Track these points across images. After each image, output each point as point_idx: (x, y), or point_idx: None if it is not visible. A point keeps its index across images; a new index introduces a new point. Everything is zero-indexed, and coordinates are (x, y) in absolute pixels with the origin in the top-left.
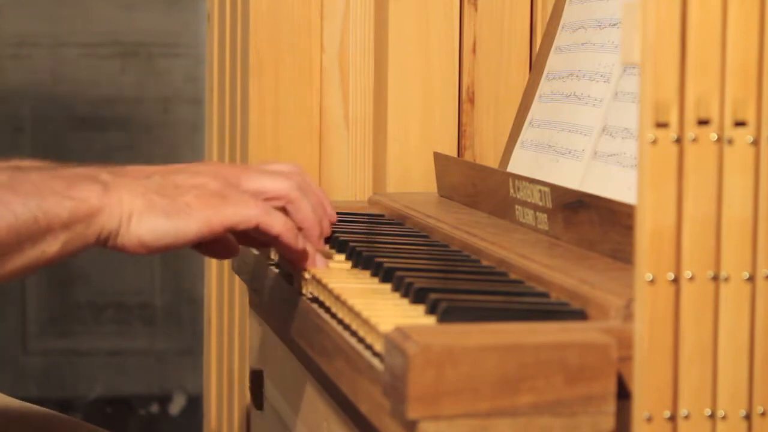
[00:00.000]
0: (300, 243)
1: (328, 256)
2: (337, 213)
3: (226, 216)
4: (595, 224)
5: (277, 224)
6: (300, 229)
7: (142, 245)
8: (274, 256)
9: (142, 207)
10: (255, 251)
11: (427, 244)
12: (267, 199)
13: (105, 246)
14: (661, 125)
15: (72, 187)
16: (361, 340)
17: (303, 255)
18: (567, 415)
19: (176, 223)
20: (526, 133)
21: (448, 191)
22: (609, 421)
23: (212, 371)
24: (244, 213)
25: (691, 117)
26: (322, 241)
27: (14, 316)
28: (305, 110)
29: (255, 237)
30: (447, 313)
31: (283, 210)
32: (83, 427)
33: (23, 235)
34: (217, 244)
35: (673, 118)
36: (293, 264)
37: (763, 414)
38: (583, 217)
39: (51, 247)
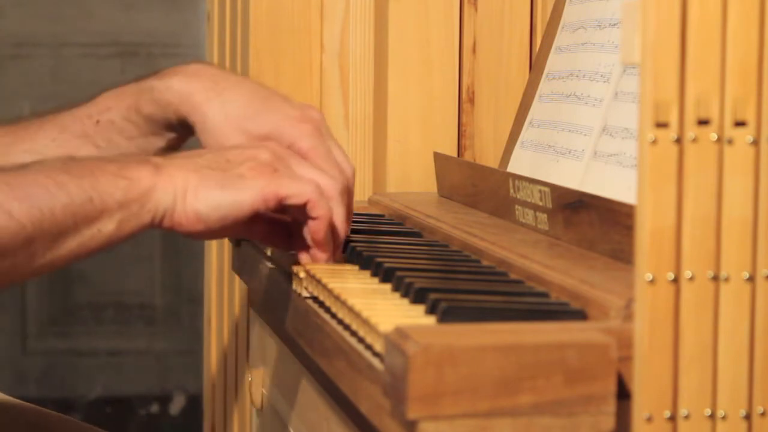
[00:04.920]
0: (328, 236)
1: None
2: None
3: (279, 186)
4: (595, 224)
5: (321, 207)
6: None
7: (199, 219)
8: (273, 255)
9: (197, 181)
10: (253, 250)
11: (427, 244)
12: None
13: (161, 227)
14: (661, 125)
15: (124, 168)
16: (361, 340)
17: (325, 246)
18: (567, 415)
19: (231, 193)
20: (526, 133)
21: (448, 191)
22: (609, 421)
23: (212, 371)
24: (297, 187)
25: (691, 117)
26: (340, 249)
27: (14, 316)
28: None
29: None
30: (447, 313)
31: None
32: (83, 428)
33: (79, 214)
34: (275, 228)
35: (673, 118)
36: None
37: (763, 414)
38: (583, 217)
39: (106, 226)
